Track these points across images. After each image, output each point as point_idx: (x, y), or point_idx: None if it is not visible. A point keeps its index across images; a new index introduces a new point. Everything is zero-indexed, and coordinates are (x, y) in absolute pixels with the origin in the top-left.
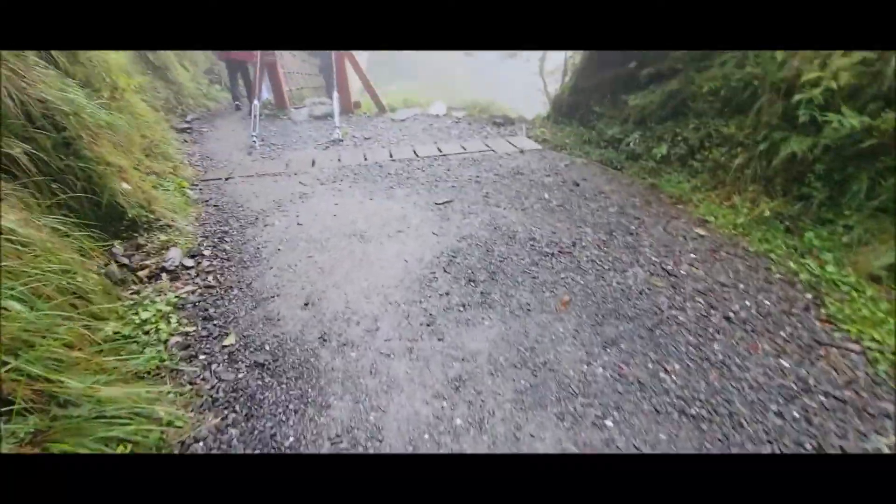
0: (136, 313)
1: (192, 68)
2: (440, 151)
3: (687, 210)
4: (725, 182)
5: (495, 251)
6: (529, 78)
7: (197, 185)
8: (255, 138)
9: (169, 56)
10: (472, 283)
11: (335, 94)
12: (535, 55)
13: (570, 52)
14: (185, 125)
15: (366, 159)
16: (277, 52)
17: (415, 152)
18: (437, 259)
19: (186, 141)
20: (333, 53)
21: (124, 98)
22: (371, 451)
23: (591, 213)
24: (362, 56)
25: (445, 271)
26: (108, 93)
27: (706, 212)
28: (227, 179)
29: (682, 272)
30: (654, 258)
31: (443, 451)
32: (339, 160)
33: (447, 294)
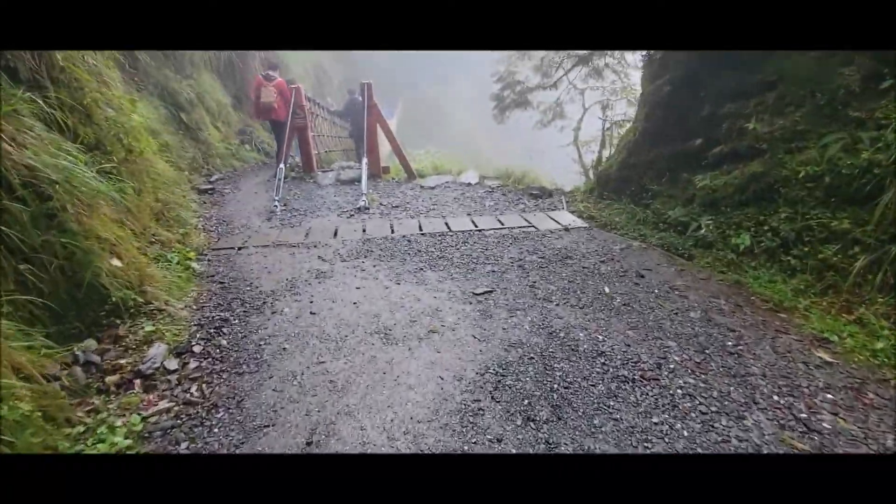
0: (82, 450)
1: (225, 128)
2: (475, 226)
3: (793, 321)
4: (840, 288)
5: (556, 369)
6: (563, 147)
7: (206, 254)
8: (276, 202)
9: (203, 117)
10: (531, 424)
11: (364, 160)
12: (569, 124)
13: (608, 122)
14: (209, 186)
15: (393, 232)
16: (308, 114)
17: (447, 226)
18: (482, 378)
19: (206, 203)
20: (366, 116)
21: (141, 160)
22: None
23: (668, 317)
24: (392, 119)
25: (493, 399)
26: (123, 155)
27: (822, 327)
28: (239, 249)
29: (824, 425)
30: (775, 396)
31: None
32: (363, 231)
33: (498, 441)
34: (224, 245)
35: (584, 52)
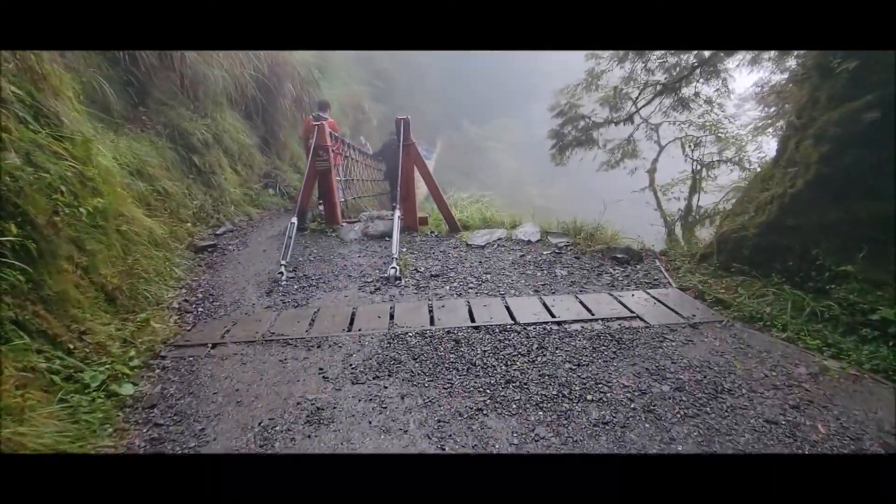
0: None
1: (246, 171)
2: (551, 314)
3: None
4: None
5: None
6: (637, 192)
7: (163, 356)
8: (283, 268)
9: (220, 160)
10: None
11: (397, 210)
12: (642, 165)
13: (697, 163)
14: (210, 242)
15: (433, 323)
16: (333, 156)
17: (509, 312)
18: None
19: (201, 265)
20: (401, 157)
21: (102, 218)
22: None
23: None
24: (430, 159)
25: None
26: (48, 217)
27: None
28: (213, 348)
29: None
30: None
31: None
32: (390, 318)
33: None
34: (193, 340)
35: (668, 79)
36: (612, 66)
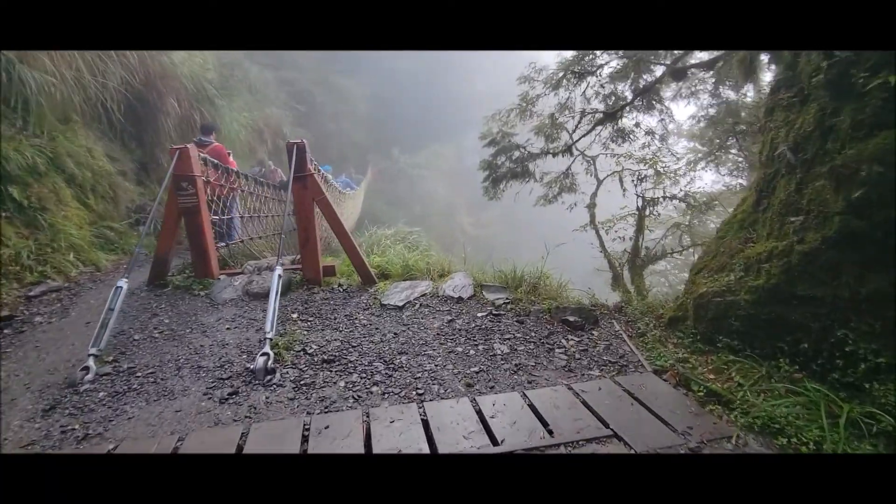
0: None
1: (103, 205)
2: (490, 436)
3: None
4: None
5: None
6: (577, 230)
7: None
8: (92, 360)
9: (61, 191)
10: None
11: (277, 269)
12: (581, 200)
13: (640, 198)
14: (6, 313)
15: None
16: (202, 190)
17: (429, 436)
18: None
19: None
20: (289, 191)
21: None
22: None
23: None
24: (357, 188)
25: None
26: None
27: None
28: None
29: None
30: None
31: None
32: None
33: None
34: None
35: (607, 108)
36: (546, 92)
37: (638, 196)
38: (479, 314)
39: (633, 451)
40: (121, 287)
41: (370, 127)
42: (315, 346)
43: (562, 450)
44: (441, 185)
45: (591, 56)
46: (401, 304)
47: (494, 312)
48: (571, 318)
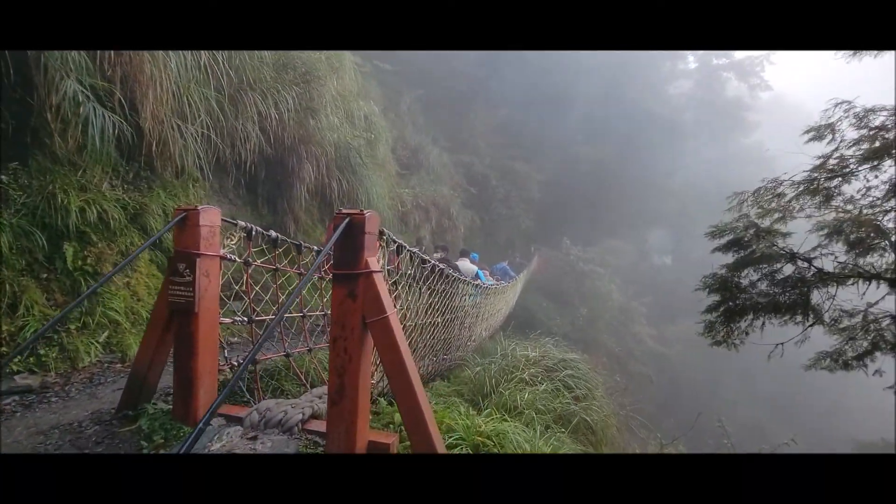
0: None
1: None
2: None
3: None
4: None
5: None
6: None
7: None
8: None
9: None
10: None
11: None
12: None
13: None
14: None
15: None
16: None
17: None
18: None
19: None
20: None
21: None
22: None
23: None
24: (515, 278)
25: None
26: None
27: None
28: None
29: None
30: None
31: None
32: None
33: None
34: None
35: None
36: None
37: None
38: None
39: None
40: None
41: (541, 212)
42: None
43: None
44: (616, 285)
45: None
46: None
47: None
48: None
